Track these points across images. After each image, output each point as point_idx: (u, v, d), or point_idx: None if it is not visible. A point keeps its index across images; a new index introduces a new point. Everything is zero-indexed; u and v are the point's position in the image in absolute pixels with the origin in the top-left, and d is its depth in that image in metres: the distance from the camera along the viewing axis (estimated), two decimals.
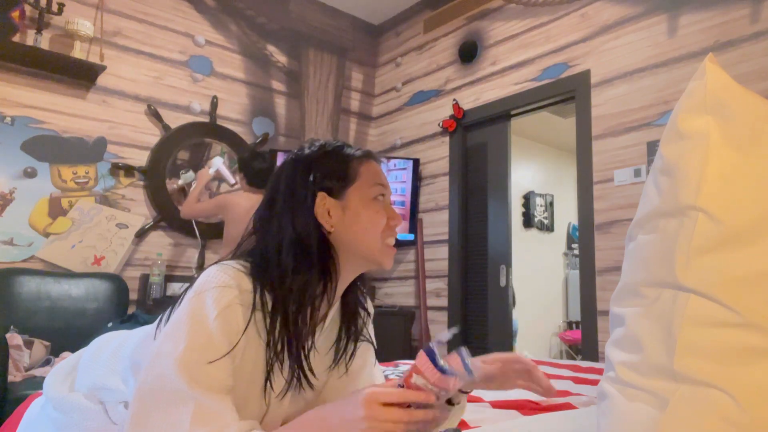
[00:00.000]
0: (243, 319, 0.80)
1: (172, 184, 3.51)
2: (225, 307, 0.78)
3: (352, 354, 0.99)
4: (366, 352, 1.04)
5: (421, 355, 0.76)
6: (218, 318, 0.77)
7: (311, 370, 0.88)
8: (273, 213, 0.90)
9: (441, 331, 0.79)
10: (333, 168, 0.91)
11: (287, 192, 0.90)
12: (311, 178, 0.90)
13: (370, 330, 1.05)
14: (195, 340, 0.75)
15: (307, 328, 0.86)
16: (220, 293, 0.78)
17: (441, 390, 0.75)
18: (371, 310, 1.06)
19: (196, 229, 3.51)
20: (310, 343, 0.89)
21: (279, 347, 0.83)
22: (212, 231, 3.58)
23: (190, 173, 3.50)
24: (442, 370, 0.75)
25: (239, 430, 0.73)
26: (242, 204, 3.01)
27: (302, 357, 0.85)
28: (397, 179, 4.03)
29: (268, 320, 0.83)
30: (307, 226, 0.88)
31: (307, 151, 0.94)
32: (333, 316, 0.96)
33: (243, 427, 0.74)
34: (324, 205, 0.89)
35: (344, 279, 0.93)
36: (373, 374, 1.06)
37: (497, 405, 1.32)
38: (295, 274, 0.85)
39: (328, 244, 0.90)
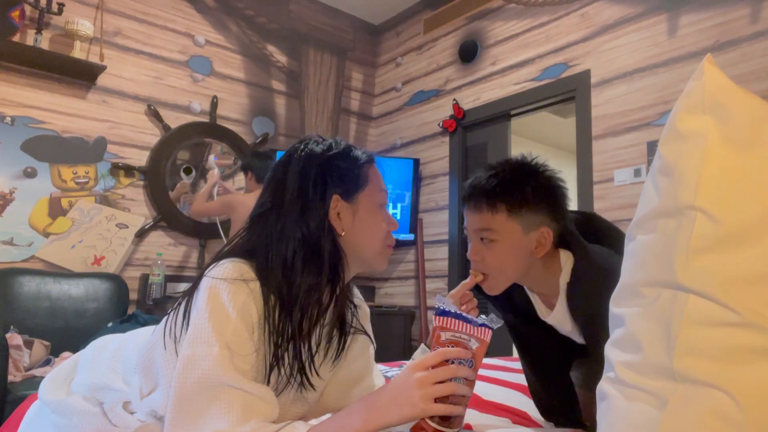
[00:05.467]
0: (257, 315, 0.81)
1: (182, 189, 3.53)
2: (241, 304, 0.79)
3: (345, 347, 0.98)
4: (366, 352, 1.03)
5: (438, 317, 0.80)
6: (237, 316, 0.78)
7: (315, 371, 0.87)
8: (280, 211, 0.87)
9: (436, 298, 0.85)
10: (346, 170, 0.88)
11: (299, 190, 0.87)
12: (327, 178, 0.87)
13: (367, 327, 1.04)
14: (224, 339, 0.77)
15: (311, 331, 0.85)
16: (234, 292, 0.79)
17: (471, 337, 0.78)
18: (361, 303, 1.04)
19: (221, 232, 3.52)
20: (313, 344, 0.88)
21: (283, 349, 0.83)
22: (212, 231, 3.58)
23: (193, 174, 3.54)
24: (464, 318, 0.79)
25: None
26: (249, 204, 3.03)
27: (305, 359, 0.85)
28: (392, 180, 4.03)
29: (274, 322, 0.82)
30: (320, 228, 0.85)
31: (318, 149, 0.90)
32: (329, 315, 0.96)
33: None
34: (336, 208, 0.87)
35: (345, 281, 0.92)
36: (373, 379, 1.04)
37: (488, 410, 1.30)
38: (304, 277, 0.83)
39: (338, 247, 0.88)
